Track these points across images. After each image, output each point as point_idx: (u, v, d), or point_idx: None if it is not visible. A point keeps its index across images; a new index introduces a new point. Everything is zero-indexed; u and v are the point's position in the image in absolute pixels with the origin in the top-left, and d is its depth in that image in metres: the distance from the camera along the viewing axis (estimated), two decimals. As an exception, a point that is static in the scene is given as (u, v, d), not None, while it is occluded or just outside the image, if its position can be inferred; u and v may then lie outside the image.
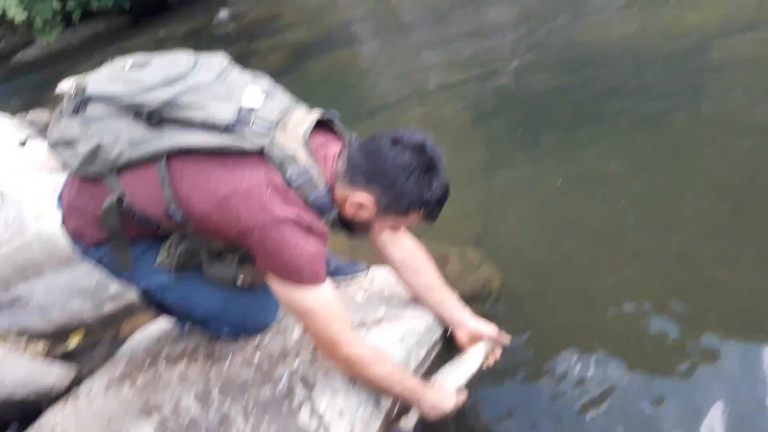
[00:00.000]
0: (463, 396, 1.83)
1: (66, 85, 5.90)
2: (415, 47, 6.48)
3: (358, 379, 1.75)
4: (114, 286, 2.84)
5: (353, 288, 2.24)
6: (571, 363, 1.97)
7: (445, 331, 2.11)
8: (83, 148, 1.57)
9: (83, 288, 2.81)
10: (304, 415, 1.74)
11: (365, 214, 1.62)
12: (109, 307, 2.83)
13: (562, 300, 2.24)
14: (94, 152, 1.56)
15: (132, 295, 2.86)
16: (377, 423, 1.80)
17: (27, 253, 2.76)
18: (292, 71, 6.47)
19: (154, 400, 1.81)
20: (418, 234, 1.99)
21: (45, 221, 2.80)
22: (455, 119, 4.22)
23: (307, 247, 1.53)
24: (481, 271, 2.47)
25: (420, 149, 1.55)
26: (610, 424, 1.77)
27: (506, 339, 1.96)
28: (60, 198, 1.79)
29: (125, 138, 1.54)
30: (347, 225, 1.70)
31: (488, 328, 1.96)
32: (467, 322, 1.97)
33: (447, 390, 1.81)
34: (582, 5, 5.72)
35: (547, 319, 2.16)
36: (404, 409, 1.86)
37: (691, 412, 1.74)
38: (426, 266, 2.00)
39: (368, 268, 2.37)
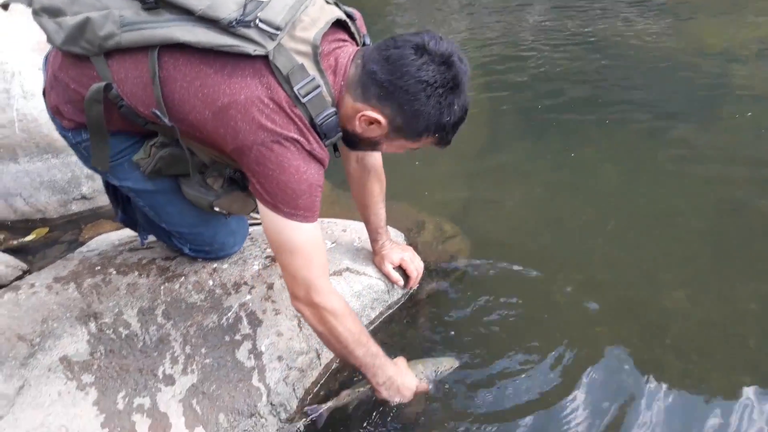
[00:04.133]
0: (425, 386, 1.73)
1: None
2: (443, 6, 6.36)
3: (322, 331, 1.57)
4: (85, 187, 2.78)
5: (323, 235, 2.19)
6: (509, 354, 1.95)
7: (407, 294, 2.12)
8: (70, 20, 1.38)
9: (54, 182, 2.74)
10: (243, 351, 1.72)
11: (375, 133, 1.46)
12: (75, 207, 2.76)
13: (521, 293, 2.20)
14: (82, 27, 1.37)
15: (101, 199, 2.82)
16: (314, 373, 1.78)
17: (6, 132, 2.67)
18: None
19: (96, 307, 1.77)
20: (401, 197, 1.95)
21: (32, 102, 2.68)
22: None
23: (308, 173, 1.39)
24: (452, 245, 2.44)
25: (447, 62, 1.35)
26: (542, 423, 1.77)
27: (413, 274, 2.06)
28: (45, 62, 1.59)
29: (116, 16, 1.35)
30: (350, 140, 1.53)
31: (400, 255, 2.05)
32: (381, 248, 2.05)
33: (410, 373, 1.70)
34: (617, 4, 5.64)
35: (501, 307, 2.13)
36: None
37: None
38: (376, 184, 1.93)
39: None
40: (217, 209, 1.68)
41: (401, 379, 1.64)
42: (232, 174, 1.65)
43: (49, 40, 1.44)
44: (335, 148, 1.60)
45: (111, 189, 1.93)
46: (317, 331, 1.59)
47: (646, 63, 4.33)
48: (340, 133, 1.47)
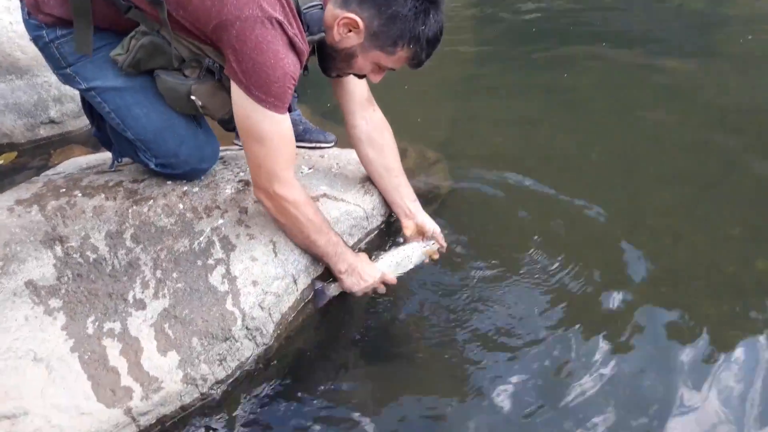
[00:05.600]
0: (389, 278, 1.75)
1: None
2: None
3: (284, 222, 1.66)
4: (53, 111, 2.67)
5: (300, 160, 2.12)
6: (491, 287, 1.91)
7: (387, 221, 2.06)
8: None
9: (19, 105, 2.63)
10: (216, 275, 1.67)
11: (351, 41, 1.50)
12: (43, 132, 2.66)
13: (502, 222, 2.17)
14: None
15: (70, 123, 2.71)
16: (290, 299, 1.74)
17: (-31, 51, 2.53)
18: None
19: (62, 231, 1.70)
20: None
21: (-2, 20, 2.56)
22: (454, 19, 3.99)
23: (285, 61, 1.41)
24: (434, 174, 2.38)
25: None
26: (526, 348, 1.74)
27: (444, 242, 1.89)
28: None
29: None
30: (327, 56, 1.58)
31: (434, 225, 1.89)
32: (416, 213, 1.90)
33: (372, 263, 1.74)
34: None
35: (482, 236, 2.10)
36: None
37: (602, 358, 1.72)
38: (390, 146, 1.91)
39: (336, 140, 2.27)
40: (193, 98, 1.63)
41: (362, 266, 1.70)
42: (211, 64, 1.60)
43: None
44: (305, 68, 1.59)
45: (87, 104, 1.85)
46: (279, 222, 1.68)
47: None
48: (323, 33, 1.50)
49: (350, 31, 1.48)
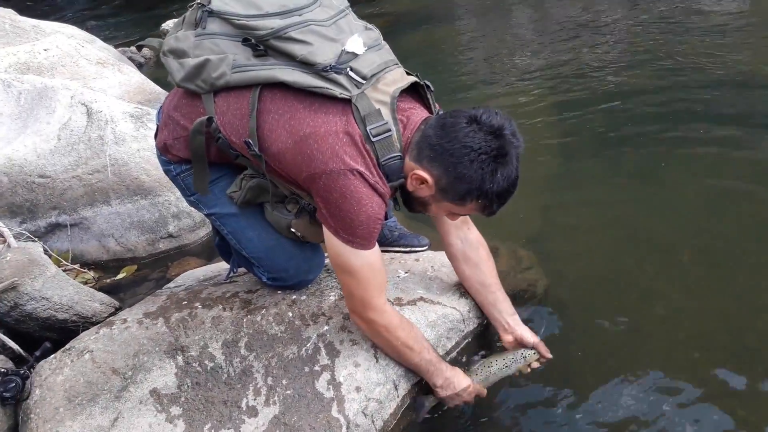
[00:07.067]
0: (481, 390, 1.79)
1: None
2: (513, 33, 6.34)
3: (378, 342, 1.77)
4: (171, 226, 2.94)
5: (396, 264, 2.21)
6: (595, 385, 1.88)
7: (482, 324, 2.07)
8: (191, 61, 1.63)
9: (142, 222, 2.91)
10: (322, 381, 1.74)
11: (424, 192, 1.60)
12: (162, 246, 2.92)
13: (604, 320, 2.12)
14: (200, 67, 1.61)
15: (186, 237, 2.96)
16: (392, 405, 1.77)
17: (100, 176, 2.87)
18: (386, 40, 6.40)
19: (183, 341, 1.85)
20: (473, 221, 1.94)
21: (123, 148, 2.91)
22: (538, 112, 4.08)
23: (368, 206, 1.54)
24: (529, 273, 2.38)
25: (496, 133, 1.48)
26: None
27: (548, 353, 1.87)
28: (159, 111, 1.87)
29: (230, 59, 1.59)
30: (406, 198, 1.70)
31: (533, 338, 1.88)
32: (515, 326, 1.90)
33: (466, 377, 1.78)
34: (700, 22, 5.39)
35: (585, 336, 2.06)
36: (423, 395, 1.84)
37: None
38: (485, 262, 1.96)
39: (430, 244, 2.35)
40: (293, 230, 1.83)
41: (458, 380, 1.76)
42: (306, 205, 1.80)
43: (171, 77, 1.70)
44: (395, 201, 1.74)
45: None
46: (374, 342, 1.79)
47: (728, 80, 4.11)
48: (402, 180, 1.61)
49: (422, 183, 1.57)
